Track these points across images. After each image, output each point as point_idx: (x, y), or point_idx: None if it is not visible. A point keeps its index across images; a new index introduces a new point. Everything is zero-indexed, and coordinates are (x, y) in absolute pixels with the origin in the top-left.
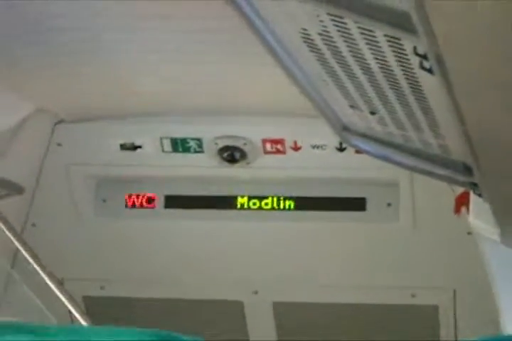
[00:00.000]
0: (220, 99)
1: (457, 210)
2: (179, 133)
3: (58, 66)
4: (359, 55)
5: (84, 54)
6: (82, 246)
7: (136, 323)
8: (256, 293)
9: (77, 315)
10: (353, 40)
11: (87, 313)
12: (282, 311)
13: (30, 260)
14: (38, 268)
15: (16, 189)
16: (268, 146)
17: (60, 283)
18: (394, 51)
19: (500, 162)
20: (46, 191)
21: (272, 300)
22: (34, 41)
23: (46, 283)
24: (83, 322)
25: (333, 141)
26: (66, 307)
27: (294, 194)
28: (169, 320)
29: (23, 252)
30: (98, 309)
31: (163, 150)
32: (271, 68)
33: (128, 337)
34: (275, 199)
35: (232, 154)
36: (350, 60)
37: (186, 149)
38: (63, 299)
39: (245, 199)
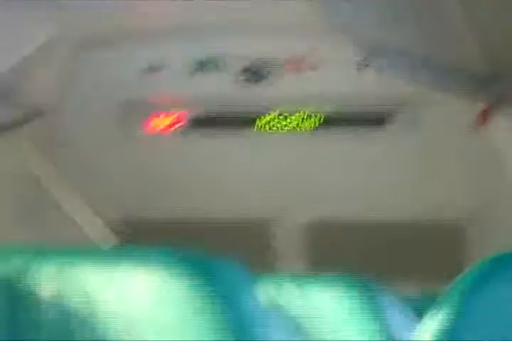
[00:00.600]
0: (241, 18)
1: (477, 126)
2: (203, 53)
3: None
4: None
5: None
6: (109, 169)
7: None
8: (286, 212)
9: (105, 236)
10: None
11: (115, 235)
12: (309, 229)
13: (58, 183)
14: (66, 191)
15: (36, 112)
16: (291, 65)
17: (87, 206)
18: None
19: None
20: (71, 115)
21: (299, 219)
22: None
23: (77, 206)
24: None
25: (355, 58)
26: (93, 230)
27: (317, 111)
28: (197, 241)
29: (51, 175)
30: (124, 230)
31: (186, 71)
32: None
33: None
34: (299, 116)
35: (255, 73)
36: None
37: (210, 69)
38: (90, 221)
39: (269, 117)
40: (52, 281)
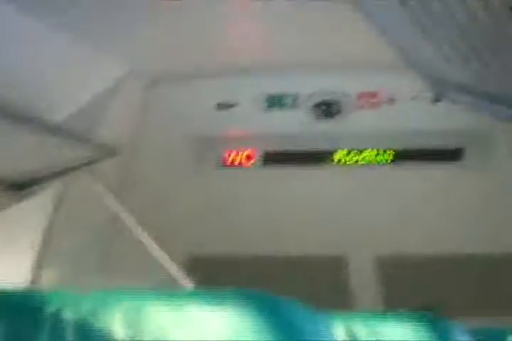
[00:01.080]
0: (313, 55)
1: None
2: (274, 89)
3: (150, 27)
4: (447, 4)
5: (174, 14)
6: (181, 202)
7: (235, 280)
8: (358, 247)
9: (178, 276)
10: None
11: (188, 272)
12: (384, 264)
13: (131, 220)
14: (138, 229)
15: (109, 151)
16: (363, 100)
17: (160, 244)
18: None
19: None
20: (143, 152)
21: (374, 254)
22: (125, 5)
23: (146, 245)
24: (186, 282)
25: (428, 93)
26: (167, 266)
27: (391, 146)
28: (270, 277)
29: (123, 213)
30: (196, 267)
31: (258, 108)
32: (364, 24)
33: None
34: (373, 152)
35: (327, 109)
36: (439, 10)
37: (282, 105)
38: (164, 259)
39: (343, 153)
40: (124, 324)
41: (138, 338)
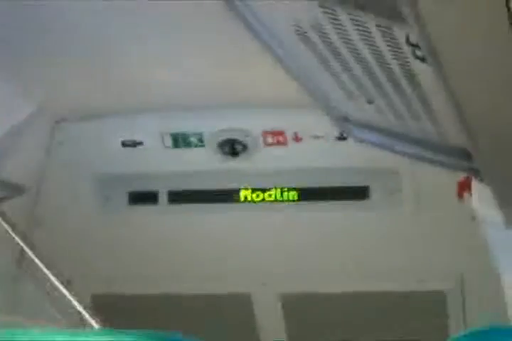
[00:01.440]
0: (218, 92)
1: (460, 195)
2: (179, 128)
3: (57, 65)
4: (352, 46)
5: (82, 52)
6: (88, 244)
7: (143, 320)
8: (263, 284)
9: (86, 315)
10: (346, 31)
11: (95, 312)
12: (290, 302)
13: (36, 260)
14: (44, 268)
15: (16, 190)
16: (269, 138)
17: (67, 283)
18: (386, 41)
19: (499, 146)
20: (50, 190)
21: (280, 292)
22: (34, 40)
23: (53, 283)
24: (93, 322)
25: (334, 131)
26: (75, 306)
27: (297, 185)
28: (178, 316)
29: (29, 253)
30: (105, 306)
31: (164, 146)
32: (269, 60)
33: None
34: (278, 190)
35: (233, 147)
36: (344, 51)
37: (187, 144)
38: (71, 299)
39: (248, 191)
40: None
41: None
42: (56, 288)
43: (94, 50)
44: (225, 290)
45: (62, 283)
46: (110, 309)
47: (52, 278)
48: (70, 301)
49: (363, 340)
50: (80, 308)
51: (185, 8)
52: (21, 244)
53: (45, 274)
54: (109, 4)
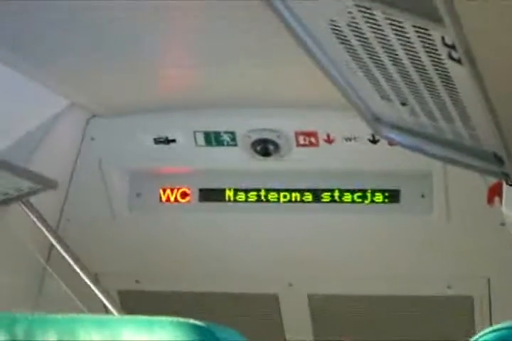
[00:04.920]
0: (252, 92)
1: (490, 201)
2: (212, 126)
3: (91, 60)
4: (388, 46)
5: (117, 48)
6: (117, 240)
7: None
8: (290, 285)
9: (112, 310)
10: (382, 30)
11: (121, 308)
12: (317, 303)
13: (65, 255)
14: (72, 263)
15: (49, 184)
16: (301, 139)
17: (94, 278)
18: (422, 42)
19: None
20: (80, 186)
21: (307, 292)
22: (69, 36)
23: (81, 278)
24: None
25: (366, 133)
26: (101, 302)
27: (328, 186)
28: (203, 314)
29: (58, 247)
30: (132, 303)
31: (196, 144)
32: (303, 60)
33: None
34: (310, 192)
35: (265, 147)
36: (380, 51)
37: (220, 142)
38: (98, 293)
39: (280, 192)
40: None
41: None
42: (83, 283)
43: (128, 46)
44: (253, 290)
45: (89, 278)
46: (136, 305)
47: (80, 273)
48: (96, 296)
49: None
50: (106, 303)
51: (219, 7)
52: (50, 237)
53: (72, 269)
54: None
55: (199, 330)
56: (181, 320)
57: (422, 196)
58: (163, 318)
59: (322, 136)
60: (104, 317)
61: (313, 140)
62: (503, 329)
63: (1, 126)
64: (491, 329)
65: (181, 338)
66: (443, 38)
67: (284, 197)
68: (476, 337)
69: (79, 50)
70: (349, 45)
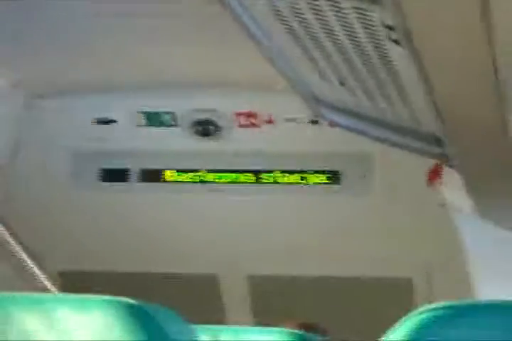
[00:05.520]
0: (192, 72)
1: (430, 182)
2: (153, 106)
3: (33, 42)
4: (328, 27)
5: (58, 29)
6: (58, 220)
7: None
8: (230, 265)
9: (52, 290)
10: (322, 11)
11: (62, 288)
12: (257, 284)
13: (6, 234)
14: (14, 243)
15: None
16: (242, 120)
17: (36, 258)
18: (362, 23)
19: (470, 133)
20: (22, 166)
21: (247, 273)
22: (9, 17)
23: (22, 258)
24: None
25: (307, 114)
26: (42, 282)
27: (269, 167)
28: (143, 295)
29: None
30: (72, 284)
31: (137, 124)
32: (243, 41)
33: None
34: (251, 173)
35: (206, 128)
36: (320, 32)
37: (161, 123)
38: (39, 274)
39: (220, 173)
40: None
41: (2, 338)
42: (24, 264)
43: (70, 27)
44: (192, 270)
45: (30, 258)
46: (76, 286)
47: (21, 253)
48: (36, 276)
49: (329, 323)
50: (46, 283)
51: None
52: None
53: (14, 249)
54: None
55: (133, 309)
56: (115, 298)
57: (363, 177)
58: (98, 297)
59: (263, 117)
60: (38, 295)
61: (254, 121)
62: (439, 308)
63: None
64: (426, 308)
65: (115, 316)
66: (383, 20)
67: (225, 177)
68: (410, 315)
69: (16, 32)
70: (289, 25)
